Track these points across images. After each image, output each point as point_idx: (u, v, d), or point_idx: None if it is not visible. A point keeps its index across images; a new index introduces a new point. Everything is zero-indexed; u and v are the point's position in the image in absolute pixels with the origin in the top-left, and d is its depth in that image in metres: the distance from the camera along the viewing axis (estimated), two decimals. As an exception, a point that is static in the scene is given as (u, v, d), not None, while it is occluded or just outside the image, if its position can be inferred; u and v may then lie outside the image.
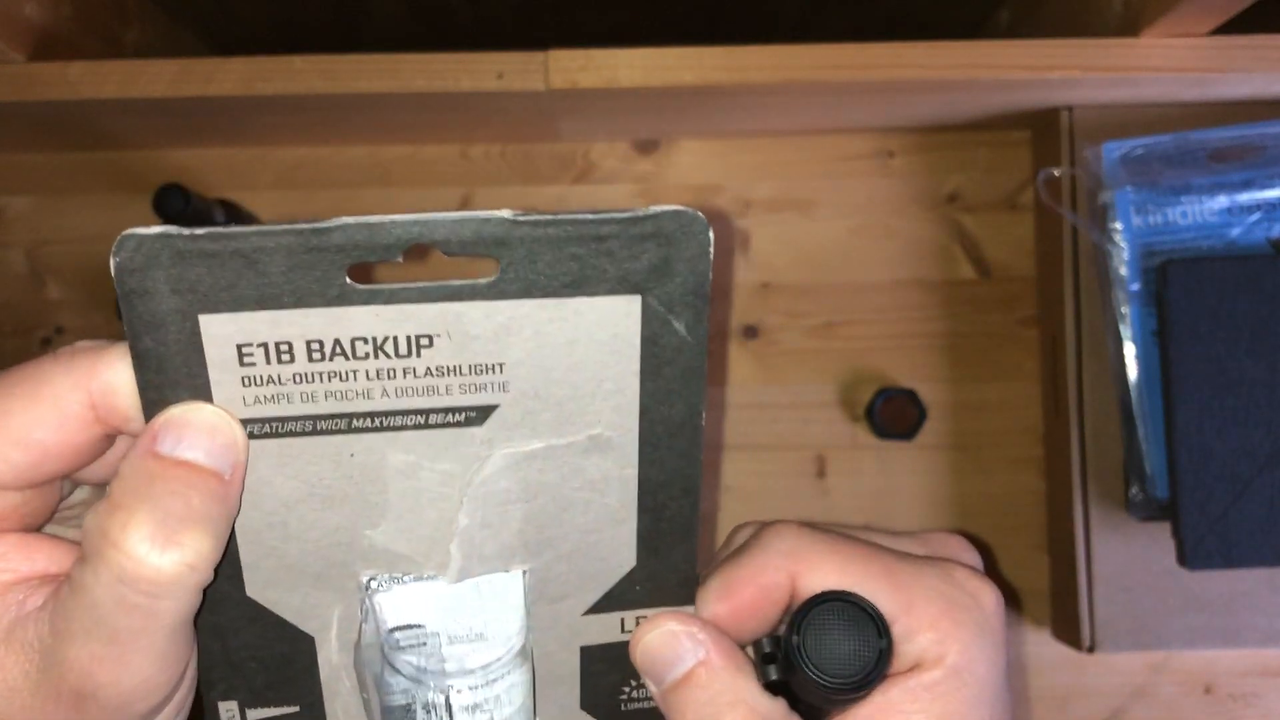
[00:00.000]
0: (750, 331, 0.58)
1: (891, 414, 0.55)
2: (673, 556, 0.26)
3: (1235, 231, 0.49)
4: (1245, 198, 0.49)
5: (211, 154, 0.57)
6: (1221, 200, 0.49)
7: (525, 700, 0.27)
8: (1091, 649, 0.51)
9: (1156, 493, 0.49)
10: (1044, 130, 0.54)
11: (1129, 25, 0.46)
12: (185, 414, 0.22)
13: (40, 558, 0.23)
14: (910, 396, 0.55)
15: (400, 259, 0.21)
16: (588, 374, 0.23)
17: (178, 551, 0.21)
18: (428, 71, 0.45)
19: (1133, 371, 0.49)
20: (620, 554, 0.26)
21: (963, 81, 0.45)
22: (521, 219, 0.21)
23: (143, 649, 0.21)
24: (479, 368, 0.23)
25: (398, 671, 0.26)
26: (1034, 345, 0.57)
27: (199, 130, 0.53)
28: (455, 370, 0.23)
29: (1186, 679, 0.56)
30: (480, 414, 0.23)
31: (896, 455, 0.57)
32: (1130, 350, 0.49)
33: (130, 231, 0.20)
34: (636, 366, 0.23)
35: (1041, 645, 0.56)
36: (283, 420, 0.22)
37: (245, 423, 0.22)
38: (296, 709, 0.26)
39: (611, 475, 0.25)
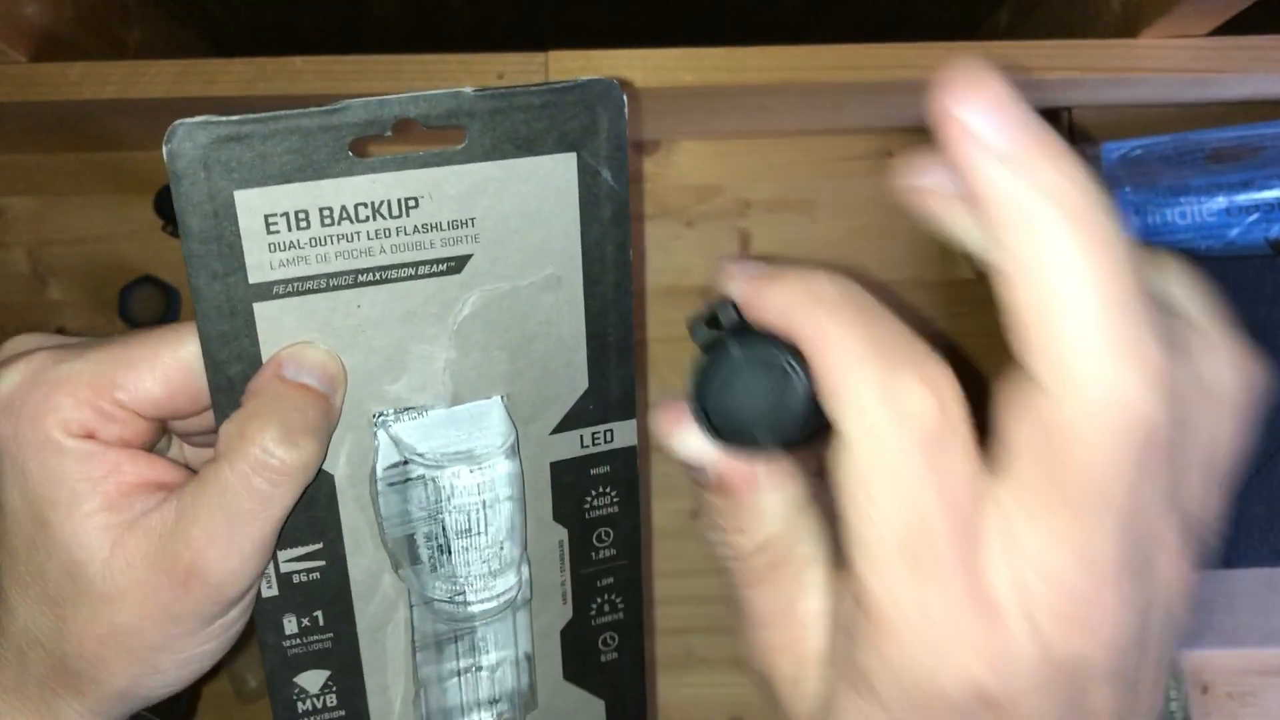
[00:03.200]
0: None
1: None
2: (616, 376, 0.31)
3: (1234, 232, 0.49)
4: (1244, 198, 0.49)
5: (213, 154, 0.57)
6: (1220, 201, 0.49)
7: (515, 490, 0.31)
8: (1090, 648, 0.51)
9: (1155, 492, 0.49)
10: (1043, 131, 0.54)
11: (1128, 26, 0.46)
12: (303, 350, 0.27)
13: (157, 469, 0.28)
14: (909, 396, 0.55)
15: (390, 133, 0.26)
16: (540, 222, 0.28)
17: (297, 451, 0.26)
18: (428, 72, 0.45)
19: (1131, 372, 0.49)
20: (575, 378, 0.31)
21: (962, 82, 0.46)
22: (482, 92, 0.26)
23: (252, 532, 0.26)
24: (455, 223, 0.27)
25: (406, 501, 0.30)
26: (1033, 345, 0.57)
27: (200, 130, 0.53)
28: (437, 226, 0.27)
29: (1184, 678, 0.56)
30: (459, 263, 0.28)
31: (896, 455, 0.57)
32: (1129, 350, 0.49)
33: (179, 121, 0.24)
34: (577, 212, 0.28)
35: (1040, 644, 0.57)
36: (302, 279, 0.27)
37: (271, 283, 0.26)
38: (320, 545, 0.30)
39: (564, 309, 0.29)
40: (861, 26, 0.69)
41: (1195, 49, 0.45)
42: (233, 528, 0.26)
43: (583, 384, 0.31)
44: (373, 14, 0.67)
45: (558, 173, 0.27)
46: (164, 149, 0.24)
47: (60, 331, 0.57)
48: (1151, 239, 0.49)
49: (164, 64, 0.45)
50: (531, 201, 0.28)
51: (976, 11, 0.65)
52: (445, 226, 0.27)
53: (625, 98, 0.27)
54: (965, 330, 0.58)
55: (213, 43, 0.67)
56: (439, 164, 0.26)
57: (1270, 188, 0.49)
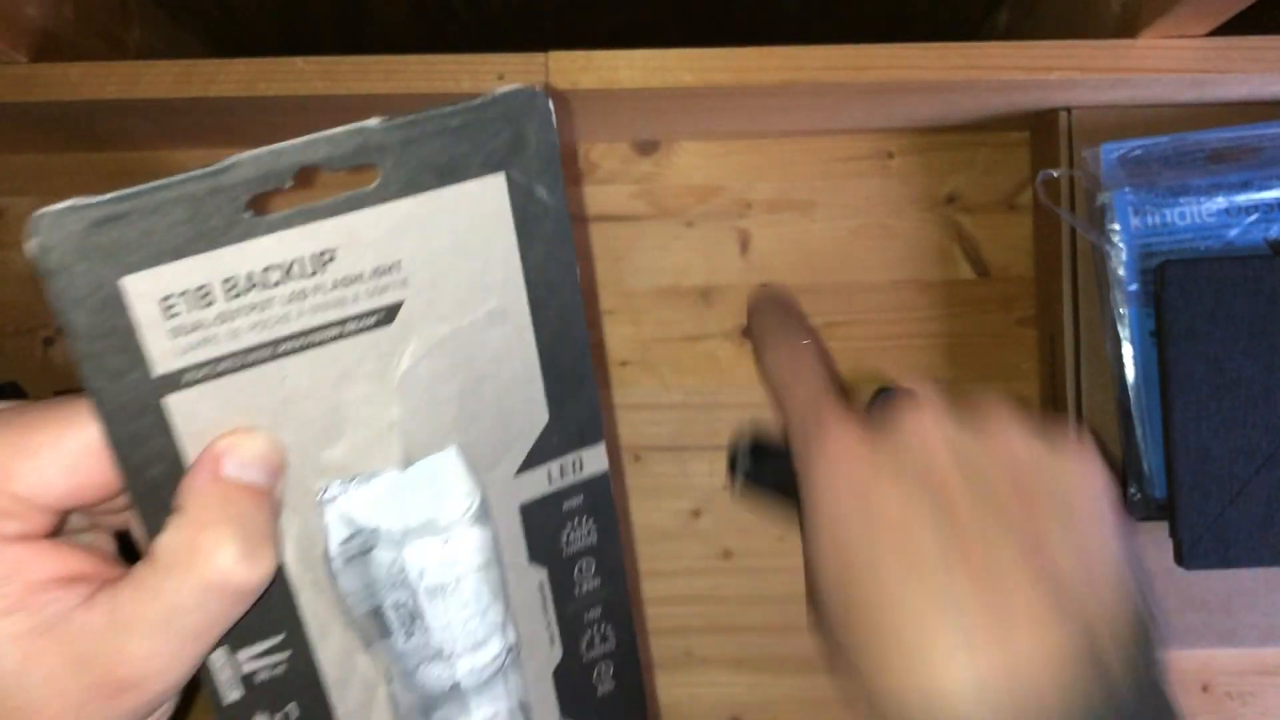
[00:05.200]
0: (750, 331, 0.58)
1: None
2: (577, 402, 0.29)
3: (1233, 232, 0.49)
4: (1243, 199, 0.49)
5: (214, 155, 0.57)
6: (1219, 201, 0.49)
7: (488, 555, 0.29)
8: (1090, 648, 0.51)
9: (1154, 492, 0.49)
10: (1042, 131, 0.54)
11: (1127, 26, 0.46)
12: (240, 441, 0.25)
13: (68, 560, 0.25)
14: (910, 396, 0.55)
15: (291, 184, 0.23)
16: (474, 254, 0.26)
17: (259, 567, 0.24)
18: (429, 72, 0.45)
19: (1130, 372, 0.49)
20: (535, 412, 0.29)
21: (961, 82, 0.46)
22: (390, 124, 0.23)
23: (198, 648, 0.25)
24: (379, 270, 0.25)
25: (366, 573, 0.28)
26: (1032, 345, 0.58)
27: (201, 131, 0.53)
28: (359, 278, 0.25)
29: (1184, 678, 0.57)
30: (389, 313, 0.25)
31: (896, 455, 0.57)
32: (1128, 351, 0.49)
33: (43, 210, 0.21)
34: (514, 237, 0.26)
35: (1040, 644, 0.57)
36: (215, 361, 0.24)
37: (180, 372, 0.24)
38: (282, 636, 0.27)
39: (513, 342, 0.27)
40: (861, 26, 0.69)
41: (1195, 49, 0.45)
42: (178, 644, 0.24)
43: (543, 417, 0.29)
44: (373, 15, 0.67)
45: (487, 197, 0.25)
46: (29, 244, 0.21)
47: (60, 332, 0.57)
48: (1151, 239, 0.49)
49: (164, 64, 0.45)
50: (462, 233, 0.25)
51: (976, 11, 0.65)
52: (369, 276, 0.25)
53: (551, 103, 0.25)
54: (964, 330, 0.58)
55: (213, 43, 0.67)
56: (352, 209, 0.24)
57: (1270, 188, 0.49)
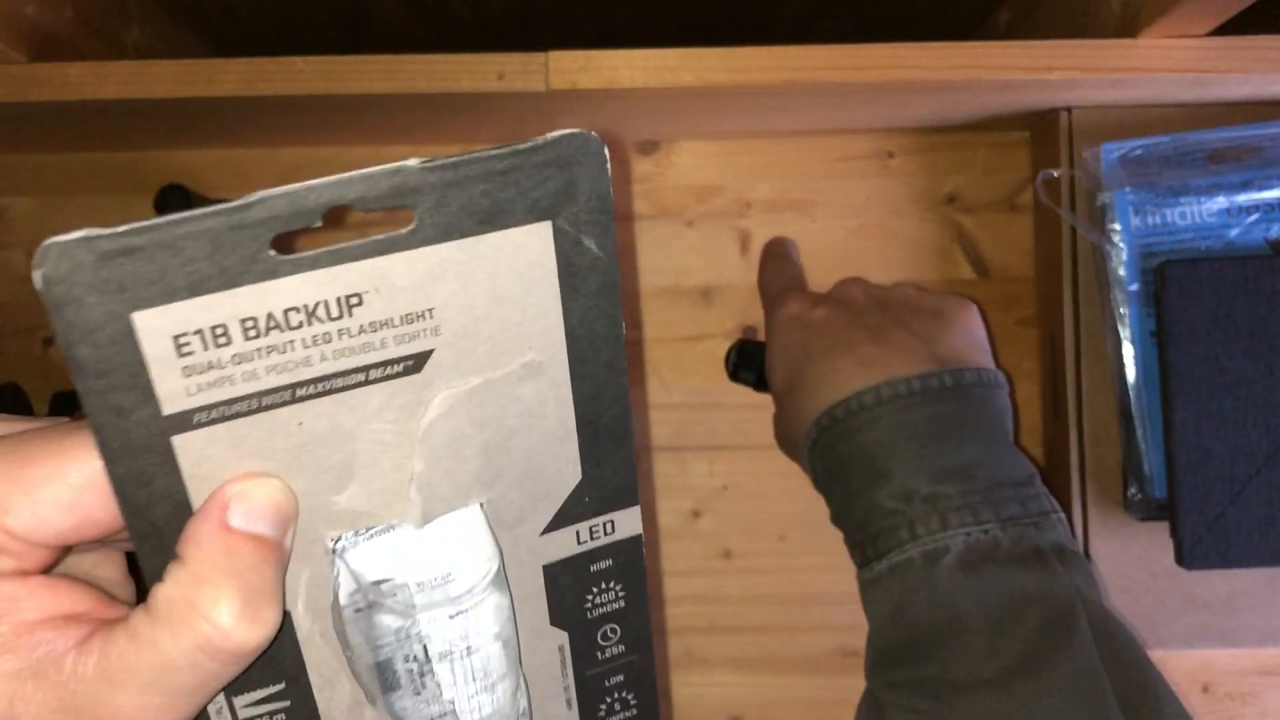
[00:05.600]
0: (750, 332, 0.58)
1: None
2: (614, 463, 0.28)
3: (1233, 232, 0.49)
4: (1243, 198, 0.49)
5: (213, 155, 0.57)
6: (1220, 201, 0.49)
7: (504, 625, 0.28)
8: (1090, 648, 0.51)
9: (1155, 493, 0.49)
10: (1043, 131, 0.54)
11: (1127, 26, 0.46)
12: (250, 487, 0.23)
13: (62, 599, 0.24)
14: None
15: (320, 223, 0.22)
16: (513, 304, 0.24)
17: (261, 627, 0.23)
18: (428, 72, 0.45)
19: (1131, 372, 0.49)
20: (566, 470, 0.27)
21: (962, 82, 0.46)
22: (429, 165, 0.22)
23: (191, 704, 0.23)
24: (410, 317, 0.23)
25: (374, 627, 0.26)
26: (1033, 346, 0.58)
27: (201, 131, 0.53)
28: (388, 323, 0.23)
29: (1184, 678, 0.56)
30: (418, 361, 0.24)
31: (896, 455, 0.57)
32: (1129, 351, 0.49)
33: (51, 240, 0.20)
34: (556, 289, 0.24)
35: (1040, 644, 0.57)
36: (228, 403, 0.23)
37: (191, 412, 0.22)
38: (282, 685, 0.27)
39: (548, 397, 0.26)
40: (861, 26, 0.69)
41: (1195, 49, 0.45)
42: (170, 700, 0.23)
43: (575, 475, 0.27)
44: (373, 15, 0.67)
45: (530, 246, 0.24)
46: (35, 274, 0.20)
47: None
48: (1152, 239, 0.49)
49: (164, 64, 0.45)
50: (501, 282, 0.24)
51: (976, 11, 0.65)
52: (398, 322, 0.23)
53: (606, 151, 0.23)
54: (965, 330, 0.58)
55: (213, 43, 0.67)
56: (383, 252, 0.22)
57: (1270, 188, 0.49)
